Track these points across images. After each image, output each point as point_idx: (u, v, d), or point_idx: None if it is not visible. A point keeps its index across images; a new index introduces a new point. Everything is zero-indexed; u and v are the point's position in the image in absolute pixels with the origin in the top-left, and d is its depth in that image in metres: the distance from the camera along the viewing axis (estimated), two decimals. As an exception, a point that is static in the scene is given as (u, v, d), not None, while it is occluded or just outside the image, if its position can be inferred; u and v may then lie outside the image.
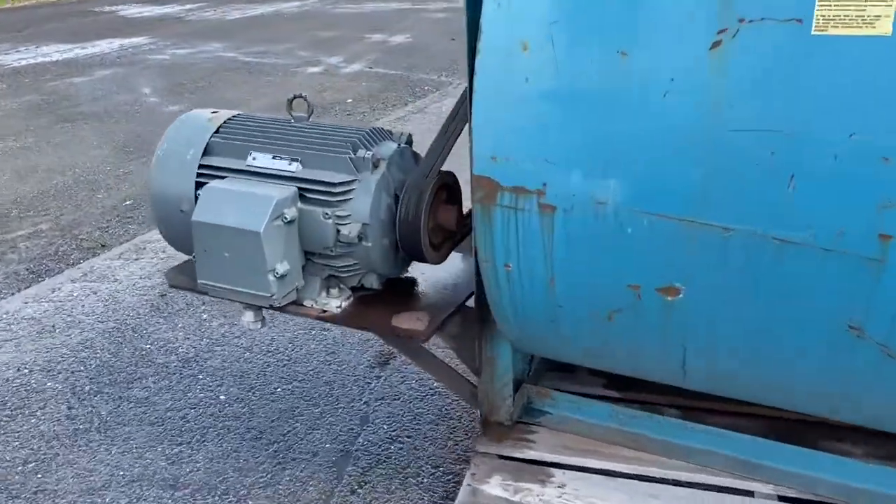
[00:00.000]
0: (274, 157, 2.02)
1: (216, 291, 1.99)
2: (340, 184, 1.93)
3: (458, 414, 2.58)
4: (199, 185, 2.07)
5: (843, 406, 1.70)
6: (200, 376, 2.87)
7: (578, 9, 1.56)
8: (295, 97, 2.10)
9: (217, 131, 2.12)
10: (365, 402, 2.67)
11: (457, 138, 2.04)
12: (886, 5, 1.30)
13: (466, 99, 2.06)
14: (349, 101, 6.91)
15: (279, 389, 2.77)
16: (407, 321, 2.01)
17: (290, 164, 1.99)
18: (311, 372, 2.86)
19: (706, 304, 1.63)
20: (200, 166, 2.08)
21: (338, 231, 1.94)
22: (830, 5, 1.34)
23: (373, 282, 2.09)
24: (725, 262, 1.55)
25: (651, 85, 1.51)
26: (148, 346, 3.09)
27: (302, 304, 2.07)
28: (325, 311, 2.06)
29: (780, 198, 1.43)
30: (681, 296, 1.65)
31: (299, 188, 1.96)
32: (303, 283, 2.03)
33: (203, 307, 3.36)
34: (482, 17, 1.63)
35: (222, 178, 2.04)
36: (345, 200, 1.94)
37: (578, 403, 2.26)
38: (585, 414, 2.25)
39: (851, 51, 1.34)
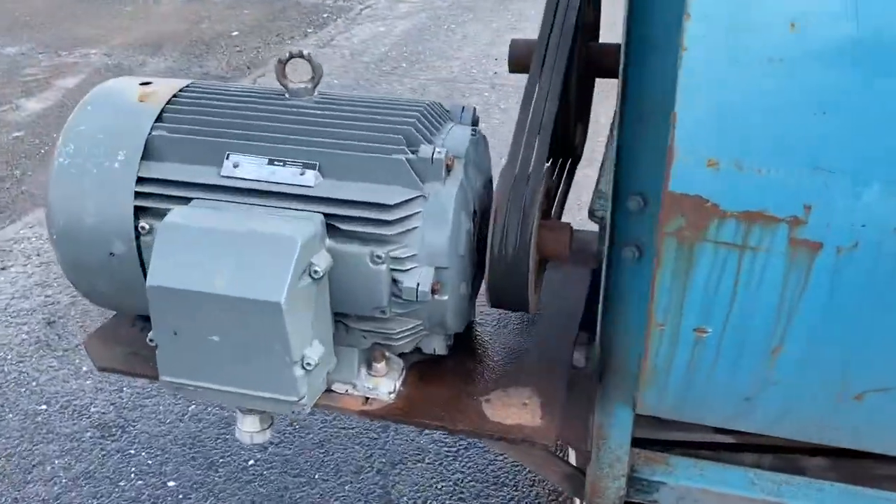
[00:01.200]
0: (271, 162, 1.21)
1: (196, 394, 1.20)
2: (398, 205, 1.16)
3: (510, 477, 1.91)
4: (139, 212, 1.25)
5: None
6: (132, 451, 2.05)
7: None
8: (291, 56, 1.28)
9: (160, 118, 1.28)
10: (378, 471, 1.95)
11: (556, 107, 1.31)
12: None
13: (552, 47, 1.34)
14: (234, 34, 5.85)
15: (251, 462, 2.00)
16: (508, 410, 1.30)
17: (301, 174, 1.20)
18: (291, 429, 2.09)
19: None
20: (140, 180, 1.25)
21: (394, 282, 1.18)
22: None
23: (437, 346, 1.36)
24: None
25: None
26: (43, 408, 2.21)
27: (330, 390, 1.31)
28: (369, 400, 1.31)
29: None
30: None
31: (325, 215, 1.18)
32: (335, 361, 1.27)
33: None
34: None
35: (183, 200, 1.22)
36: (405, 232, 1.18)
37: (704, 468, 1.64)
38: (715, 482, 1.63)
39: None
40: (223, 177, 1.23)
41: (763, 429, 1.36)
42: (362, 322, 1.27)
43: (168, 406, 2.19)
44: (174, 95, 1.33)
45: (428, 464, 1.97)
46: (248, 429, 1.27)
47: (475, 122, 1.36)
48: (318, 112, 1.27)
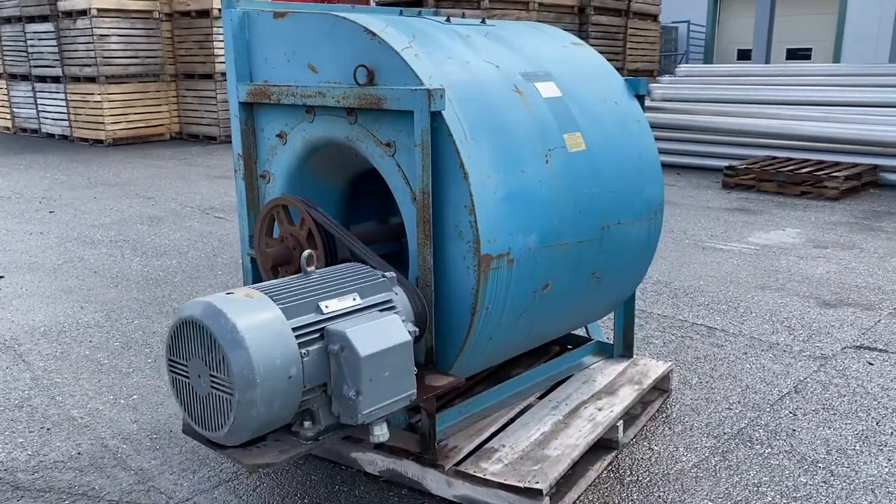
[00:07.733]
0: (340, 299, 2.55)
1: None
2: (395, 297, 2.70)
3: None
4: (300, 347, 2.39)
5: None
6: None
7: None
8: (309, 256, 2.59)
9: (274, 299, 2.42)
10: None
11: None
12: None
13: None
14: None
15: None
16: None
17: (354, 299, 2.59)
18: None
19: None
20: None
21: (402, 332, 2.69)
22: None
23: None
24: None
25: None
26: None
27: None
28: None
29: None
30: (552, 284, 3.28)
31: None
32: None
33: None
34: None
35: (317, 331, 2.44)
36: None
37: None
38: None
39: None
40: (328, 312, 2.47)
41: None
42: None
43: None
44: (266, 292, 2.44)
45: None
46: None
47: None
48: (332, 274, 2.62)
